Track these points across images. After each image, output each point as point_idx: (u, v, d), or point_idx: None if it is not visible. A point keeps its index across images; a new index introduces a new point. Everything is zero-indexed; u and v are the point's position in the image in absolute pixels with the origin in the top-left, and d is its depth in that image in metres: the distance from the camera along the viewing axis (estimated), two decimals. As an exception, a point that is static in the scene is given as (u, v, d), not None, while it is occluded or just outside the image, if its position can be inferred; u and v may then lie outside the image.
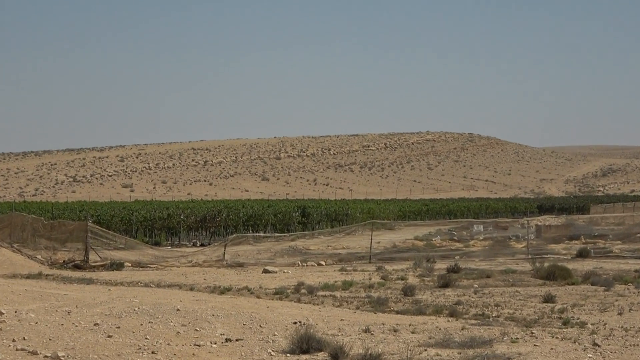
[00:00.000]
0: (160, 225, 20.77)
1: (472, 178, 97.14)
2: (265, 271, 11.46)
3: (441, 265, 12.50)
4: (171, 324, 6.02)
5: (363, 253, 15.08)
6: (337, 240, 17.46)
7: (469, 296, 9.11)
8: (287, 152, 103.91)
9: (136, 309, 6.55)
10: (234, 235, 17.41)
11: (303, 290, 9.30)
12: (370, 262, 14.03)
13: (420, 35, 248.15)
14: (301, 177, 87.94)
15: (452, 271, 11.50)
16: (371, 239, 14.58)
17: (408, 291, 9.00)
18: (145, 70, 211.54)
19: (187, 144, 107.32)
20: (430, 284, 10.42)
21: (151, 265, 13.52)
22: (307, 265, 12.72)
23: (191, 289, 9.37)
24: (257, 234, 18.84)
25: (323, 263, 13.38)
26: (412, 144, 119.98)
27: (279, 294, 9.01)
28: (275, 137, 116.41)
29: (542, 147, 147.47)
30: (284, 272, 11.59)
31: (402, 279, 10.83)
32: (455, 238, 21.63)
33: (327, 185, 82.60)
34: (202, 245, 19.82)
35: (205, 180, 78.17)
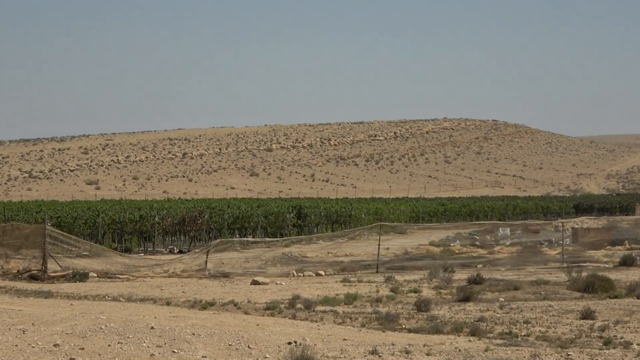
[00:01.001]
0: (131, 228, 20.78)
1: (497, 173, 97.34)
2: (255, 282, 11.48)
3: (461, 276, 12.52)
4: (144, 344, 6.02)
5: (369, 261, 15.08)
6: (339, 246, 17.46)
7: (494, 311, 9.13)
8: (279, 143, 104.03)
9: (103, 327, 6.55)
10: (218, 240, 17.42)
11: (299, 305, 9.31)
12: (377, 272, 14.05)
13: (436, 7, 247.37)
14: (296, 172, 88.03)
15: (474, 282, 11.53)
16: (379, 244, 14.58)
17: (422, 306, 9.01)
18: (113, 48, 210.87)
19: (162, 133, 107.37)
20: (448, 297, 10.44)
21: (120, 276, 13.52)
22: (303, 276, 12.73)
23: (167, 304, 9.38)
24: (245, 239, 18.86)
25: (322, 273, 13.39)
26: (427, 133, 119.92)
27: (271, 309, 9.02)
28: (265, 125, 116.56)
29: (579, 136, 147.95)
30: (276, 283, 11.61)
31: (415, 292, 10.86)
32: (477, 243, 21.66)
33: (327, 181, 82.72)
34: (180, 252, 19.85)
35: (183, 176, 78.20)
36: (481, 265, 15.10)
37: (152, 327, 6.66)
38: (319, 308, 9.21)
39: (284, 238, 17.59)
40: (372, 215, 28.80)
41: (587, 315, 8.49)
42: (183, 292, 10.85)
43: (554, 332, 7.59)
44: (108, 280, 12.75)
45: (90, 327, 6.63)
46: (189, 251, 18.01)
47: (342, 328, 7.74)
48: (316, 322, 8.25)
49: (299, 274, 12.91)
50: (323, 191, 68.67)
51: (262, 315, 8.62)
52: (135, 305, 9.05)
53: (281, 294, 10.28)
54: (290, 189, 71.46)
